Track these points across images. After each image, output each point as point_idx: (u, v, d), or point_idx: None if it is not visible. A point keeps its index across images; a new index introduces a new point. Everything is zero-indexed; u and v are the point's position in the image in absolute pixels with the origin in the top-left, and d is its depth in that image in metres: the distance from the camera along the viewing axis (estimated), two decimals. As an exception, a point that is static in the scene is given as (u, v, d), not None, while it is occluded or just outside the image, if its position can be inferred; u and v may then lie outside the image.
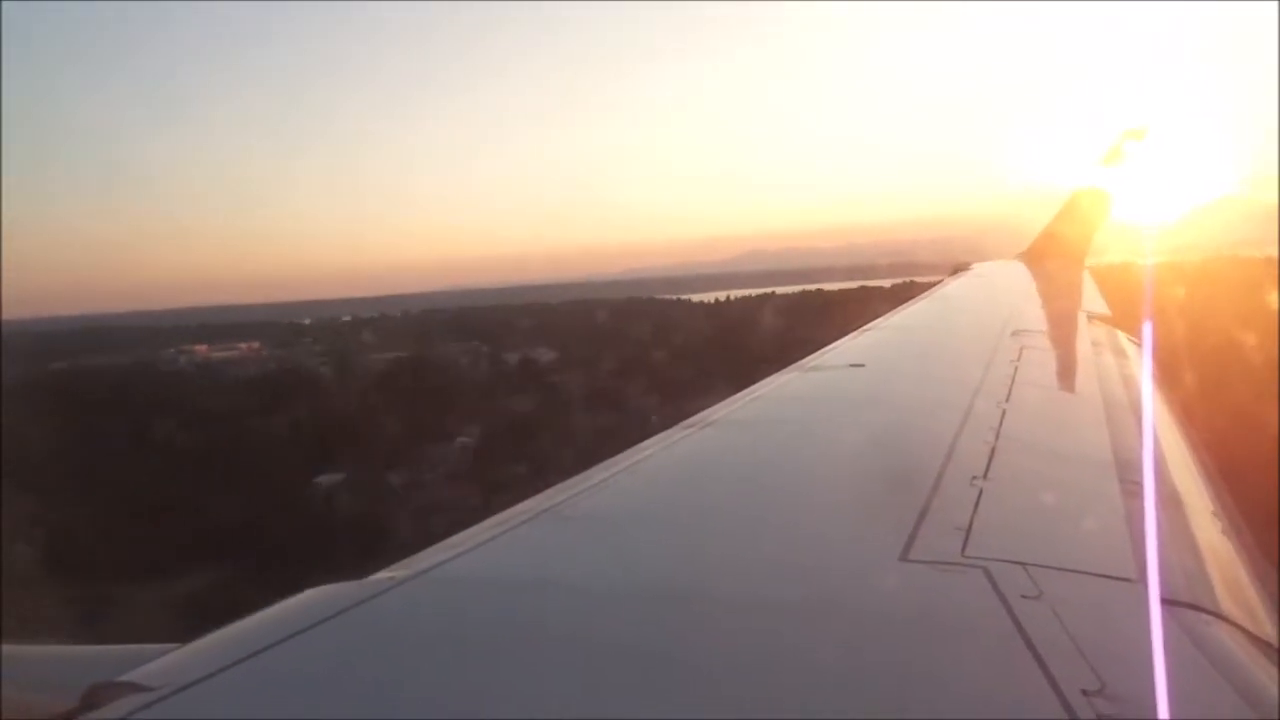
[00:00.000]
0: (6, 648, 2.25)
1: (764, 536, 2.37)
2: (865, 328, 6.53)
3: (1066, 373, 5.25)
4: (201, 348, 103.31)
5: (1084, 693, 1.47)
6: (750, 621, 1.82)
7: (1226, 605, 2.16)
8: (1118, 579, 2.11)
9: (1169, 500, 2.95)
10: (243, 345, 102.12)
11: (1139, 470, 3.14)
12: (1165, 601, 1.97)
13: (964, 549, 2.14)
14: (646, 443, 3.36)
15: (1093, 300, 8.94)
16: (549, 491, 2.78)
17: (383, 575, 2.05)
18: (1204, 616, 1.99)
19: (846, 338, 6.04)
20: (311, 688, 1.56)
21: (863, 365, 4.88)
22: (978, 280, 10.97)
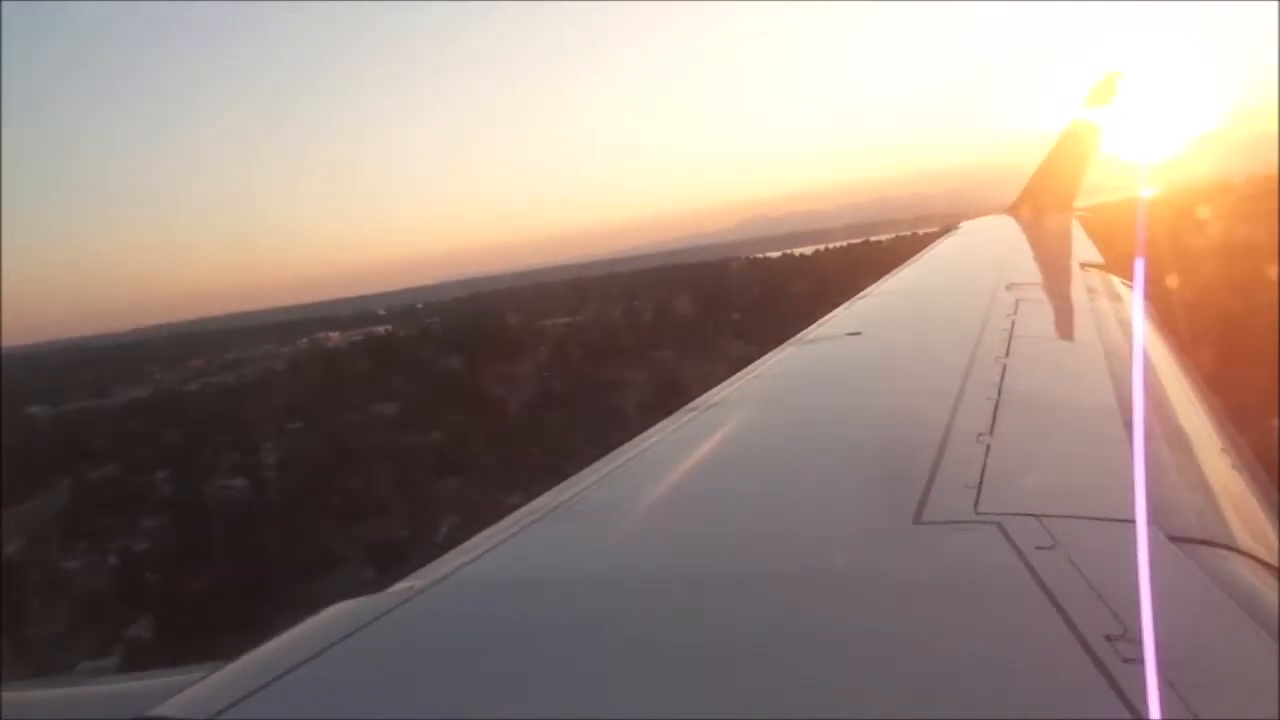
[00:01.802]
0: (8, 695, 2.11)
1: (778, 514, 2.38)
2: (859, 295, 6.53)
3: (1064, 322, 5.25)
4: (334, 335, 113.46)
5: (1107, 638, 1.48)
6: (776, 598, 1.83)
7: (1240, 538, 2.17)
8: (1130, 522, 2.12)
9: (1175, 440, 2.96)
10: (379, 329, 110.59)
11: (1143, 413, 3.15)
12: (1178, 540, 1.98)
13: (976, 506, 2.15)
14: (652, 429, 3.37)
15: (1084, 247, 8.93)
16: (560, 486, 2.79)
17: (402, 585, 2.06)
18: (1218, 551, 2.00)
19: (841, 307, 6.05)
20: (344, 706, 1.57)
21: (859, 334, 4.88)
22: (968, 238, 10.96)
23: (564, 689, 1.53)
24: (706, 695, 1.47)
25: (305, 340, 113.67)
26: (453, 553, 2.30)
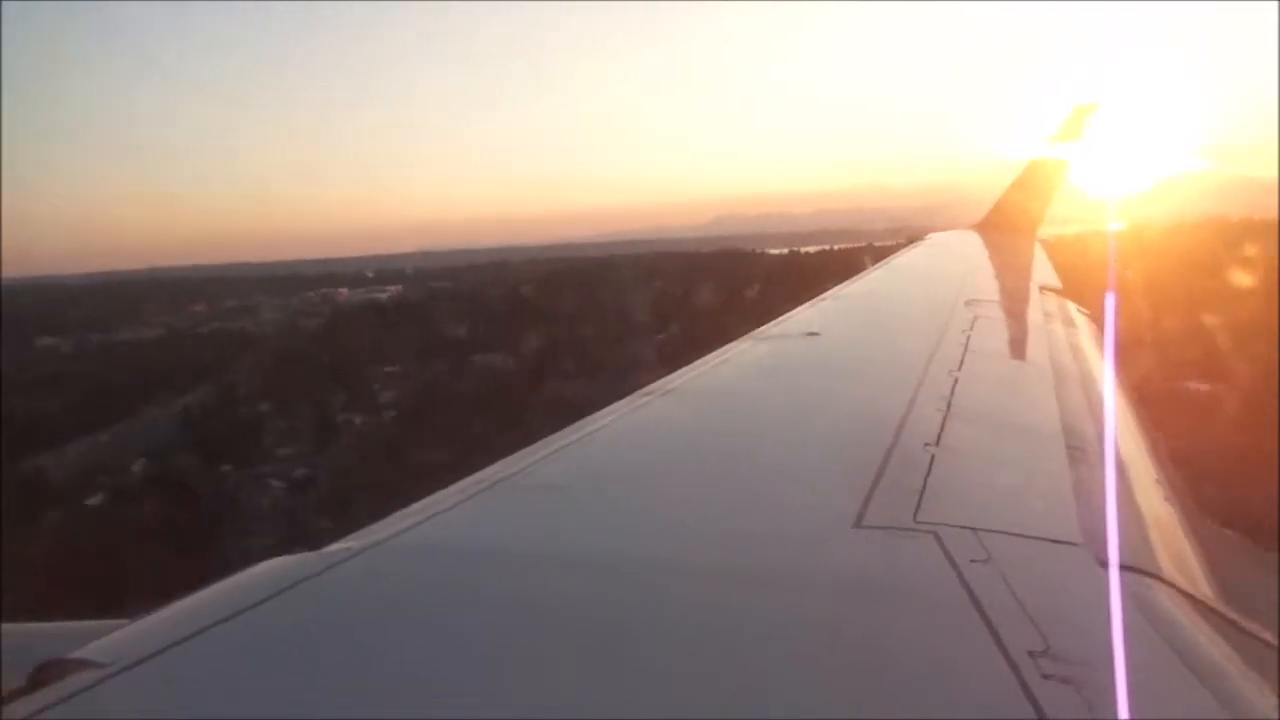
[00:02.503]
0: None
1: (721, 504, 2.39)
2: (821, 296, 6.57)
3: (1018, 342, 5.33)
4: (342, 290, 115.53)
5: (1030, 654, 1.51)
6: (706, 588, 1.84)
7: (1167, 568, 2.23)
8: (1064, 543, 2.16)
9: (1113, 467, 3.03)
10: (390, 288, 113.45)
11: (1086, 439, 3.21)
12: (1108, 565, 2.02)
13: (916, 515, 2.18)
14: (603, 411, 3.36)
15: (1044, 271, 9.07)
16: (506, 460, 2.78)
17: (339, 546, 2.04)
18: (1146, 579, 2.05)
19: (802, 306, 6.08)
20: (267, 661, 1.54)
21: (818, 334, 4.91)
22: (933, 249, 11.08)
23: (484, 658, 1.53)
24: (620, 676, 1.48)
25: (315, 294, 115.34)
26: (393, 517, 2.28)
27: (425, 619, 1.69)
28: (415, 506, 2.35)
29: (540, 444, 2.93)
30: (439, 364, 61.40)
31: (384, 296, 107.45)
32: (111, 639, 1.62)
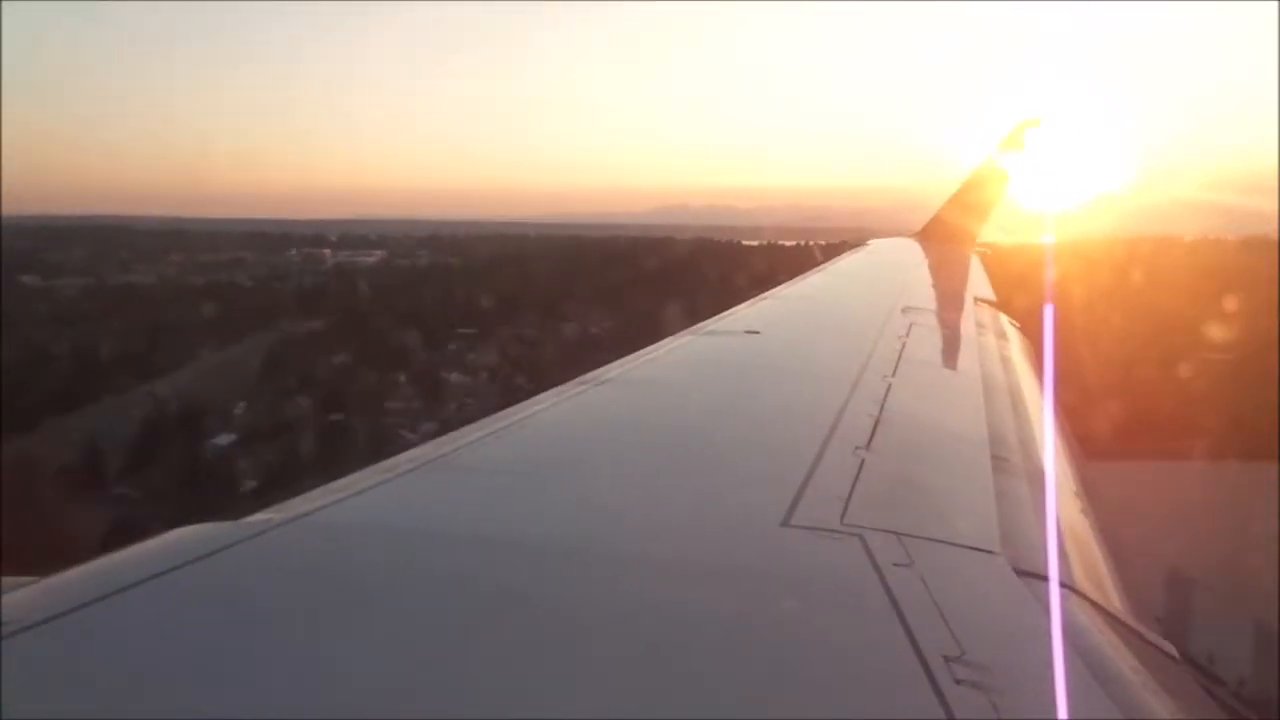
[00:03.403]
0: None
1: (649, 495, 2.39)
2: (763, 295, 6.63)
3: (951, 351, 5.44)
4: (326, 251, 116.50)
5: (945, 658, 1.54)
6: (628, 577, 1.84)
7: (1080, 579, 2.29)
8: (984, 551, 2.21)
9: (1035, 478, 3.10)
10: (376, 253, 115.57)
11: (1011, 448, 3.29)
12: (1024, 574, 2.07)
13: (843, 517, 2.20)
14: (538, 397, 3.35)
15: (980, 282, 9.26)
16: (435, 441, 2.75)
17: (259, 517, 2.00)
18: (1060, 589, 2.10)
19: (745, 304, 6.13)
20: (172, 628, 1.51)
21: (758, 333, 4.95)
22: (874, 255, 11.25)
23: (392, 636, 1.51)
24: (520, 659, 1.47)
25: (294, 252, 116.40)
26: (317, 491, 2.24)
27: (334, 595, 1.67)
28: (341, 482, 2.32)
29: (472, 427, 2.91)
30: (515, 327, 62.98)
31: (371, 260, 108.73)
32: (15, 597, 1.58)
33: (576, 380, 3.60)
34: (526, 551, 1.94)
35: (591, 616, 1.65)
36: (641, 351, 4.30)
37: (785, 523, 2.14)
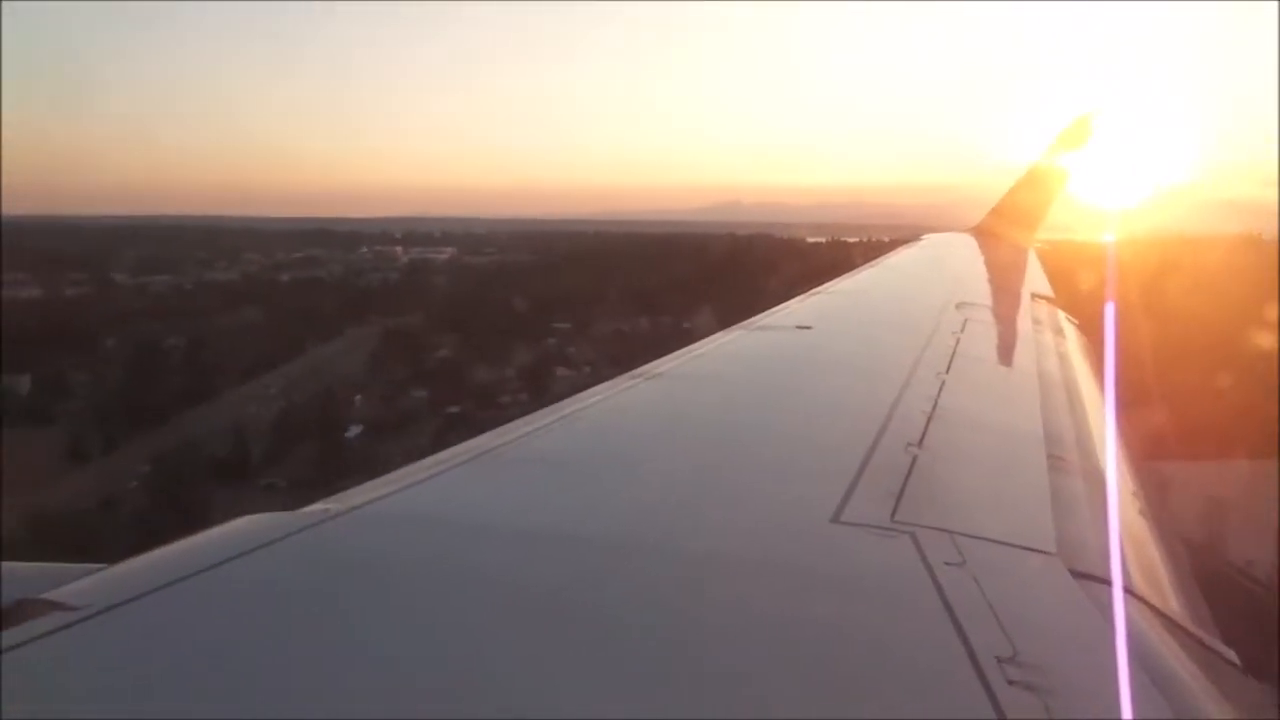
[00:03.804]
0: None
1: (699, 490, 2.40)
2: (815, 290, 6.57)
3: (1006, 348, 5.35)
4: (397, 249, 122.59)
5: (998, 659, 1.52)
6: (678, 572, 1.84)
7: (1137, 581, 2.25)
8: (1038, 551, 2.18)
9: (1091, 478, 3.05)
10: (446, 250, 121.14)
11: (1067, 448, 3.23)
12: (1080, 575, 2.04)
13: (894, 514, 2.19)
14: (590, 391, 3.37)
15: (1037, 278, 9.09)
16: (489, 434, 2.78)
17: (317, 507, 2.04)
18: (1115, 591, 2.07)
19: (796, 299, 6.08)
20: (234, 615, 1.55)
21: (810, 328, 4.92)
22: (928, 250, 11.09)
23: (438, 630, 1.53)
24: (577, 654, 1.48)
25: (365, 250, 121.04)
26: (373, 483, 2.28)
27: (392, 585, 1.70)
28: (396, 474, 2.36)
29: (524, 420, 2.94)
30: (608, 321, 65.32)
31: (443, 257, 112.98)
32: (86, 582, 1.64)
33: (628, 375, 3.62)
34: (577, 545, 1.95)
35: (644, 612, 1.66)
36: (692, 346, 4.30)
37: (835, 519, 2.13)
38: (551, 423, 2.90)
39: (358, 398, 53.25)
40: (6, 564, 2.41)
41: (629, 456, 2.74)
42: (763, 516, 2.23)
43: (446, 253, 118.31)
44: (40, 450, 50.91)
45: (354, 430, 47.31)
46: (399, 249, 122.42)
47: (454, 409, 48.21)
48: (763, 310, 5.55)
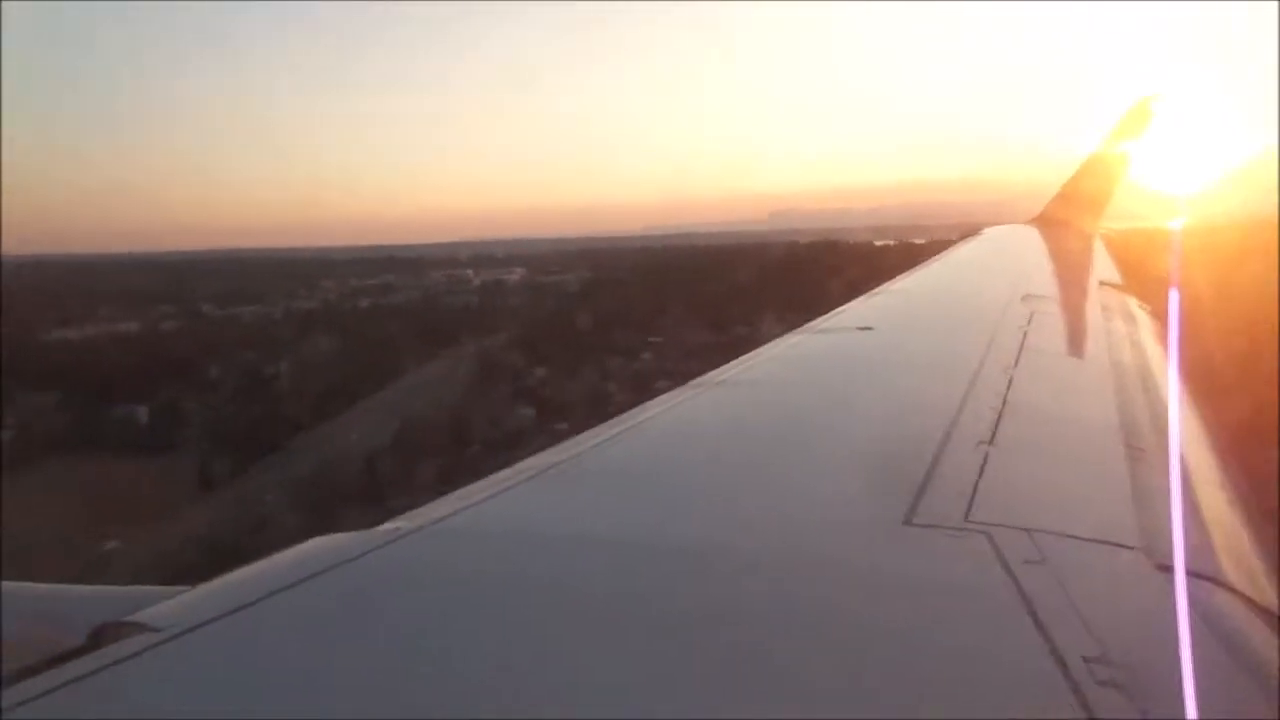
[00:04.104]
0: (8, 585, 2.26)
1: (770, 497, 2.38)
2: (875, 290, 6.49)
3: (1076, 338, 5.22)
4: (469, 272, 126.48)
5: (1084, 659, 1.48)
6: (754, 580, 1.83)
7: (1231, 574, 2.16)
8: (1121, 546, 2.11)
9: (1175, 469, 2.95)
10: (517, 270, 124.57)
11: (1145, 438, 3.13)
12: (1168, 569, 1.97)
13: (968, 514, 2.14)
14: (654, 400, 3.36)
15: (1104, 266, 8.88)
16: (555, 448, 2.79)
17: (389, 526, 2.07)
18: (1206, 584, 1.99)
19: (856, 300, 6.02)
20: (315, 635, 1.58)
21: (871, 329, 4.86)
22: (989, 244, 10.90)
23: (529, 643, 1.54)
24: (664, 665, 1.47)
25: (442, 274, 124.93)
26: (442, 500, 2.30)
27: (471, 602, 1.71)
28: (464, 490, 2.38)
29: (589, 433, 2.94)
30: (696, 333, 65.38)
31: (515, 278, 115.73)
32: (168, 605, 1.68)
33: (691, 383, 3.61)
34: (650, 554, 1.95)
35: (723, 621, 1.65)
36: (754, 352, 4.28)
37: (908, 521, 2.09)
38: (618, 434, 2.91)
39: (467, 418, 54.32)
40: (89, 588, 2.49)
41: (695, 465, 2.73)
42: (834, 521, 2.20)
43: (517, 273, 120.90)
44: (170, 477, 53.54)
45: (470, 450, 48.17)
46: (470, 272, 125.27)
47: (562, 425, 49.20)
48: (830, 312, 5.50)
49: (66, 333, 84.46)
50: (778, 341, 4.58)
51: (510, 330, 74.32)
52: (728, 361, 4.06)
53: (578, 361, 62.40)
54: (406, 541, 1.95)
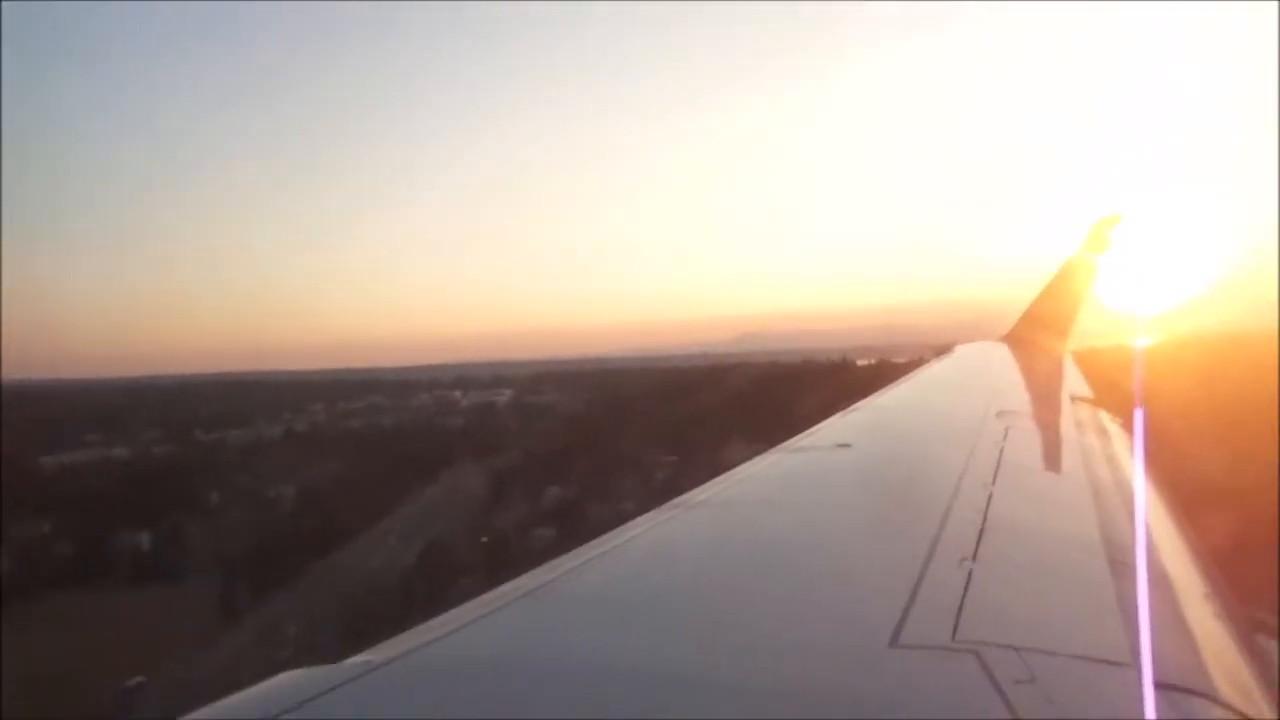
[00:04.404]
0: None
1: (753, 620, 2.33)
2: (851, 408, 6.54)
3: (1052, 454, 5.26)
4: (456, 393, 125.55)
5: None
6: (738, 710, 1.77)
7: (1222, 688, 2.13)
8: (1111, 663, 2.08)
9: (1160, 582, 2.93)
10: (505, 391, 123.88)
11: (1129, 552, 3.12)
12: (1159, 685, 1.93)
13: (954, 633, 2.10)
14: (633, 523, 3.33)
15: (1075, 381, 9.01)
16: (533, 573, 2.74)
17: (361, 658, 2.00)
18: (1199, 700, 1.96)
19: (833, 418, 6.05)
20: None
21: (849, 445, 4.87)
22: (962, 361, 11.07)
23: None
24: None
25: (427, 395, 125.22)
26: (415, 630, 2.24)
27: None
28: (439, 620, 2.32)
29: (568, 556, 2.90)
30: (713, 451, 65.19)
31: (504, 399, 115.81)
32: None
33: (669, 504, 3.58)
34: (632, 681, 1.89)
35: None
36: (733, 471, 4.26)
37: (894, 642, 2.05)
38: (596, 557, 2.86)
39: (483, 539, 53.24)
40: None
41: (676, 589, 2.68)
42: (818, 644, 2.15)
43: (505, 394, 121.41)
44: (185, 607, 50.72)
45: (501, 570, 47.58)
46: (457, 393, 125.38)
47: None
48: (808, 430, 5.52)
49: (56, 459, 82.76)
50: (757, 460, 4.57)
51: (510, 450, 73.97)
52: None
53: (589, 481, 62.18)
54: (378, 675, 1.89)
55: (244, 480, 71.56)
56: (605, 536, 3.14)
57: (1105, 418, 6.79)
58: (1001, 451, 4.55)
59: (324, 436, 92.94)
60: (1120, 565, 2.90)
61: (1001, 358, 11.05)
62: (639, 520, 3.38)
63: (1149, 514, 3.92)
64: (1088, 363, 10.82)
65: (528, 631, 2.28)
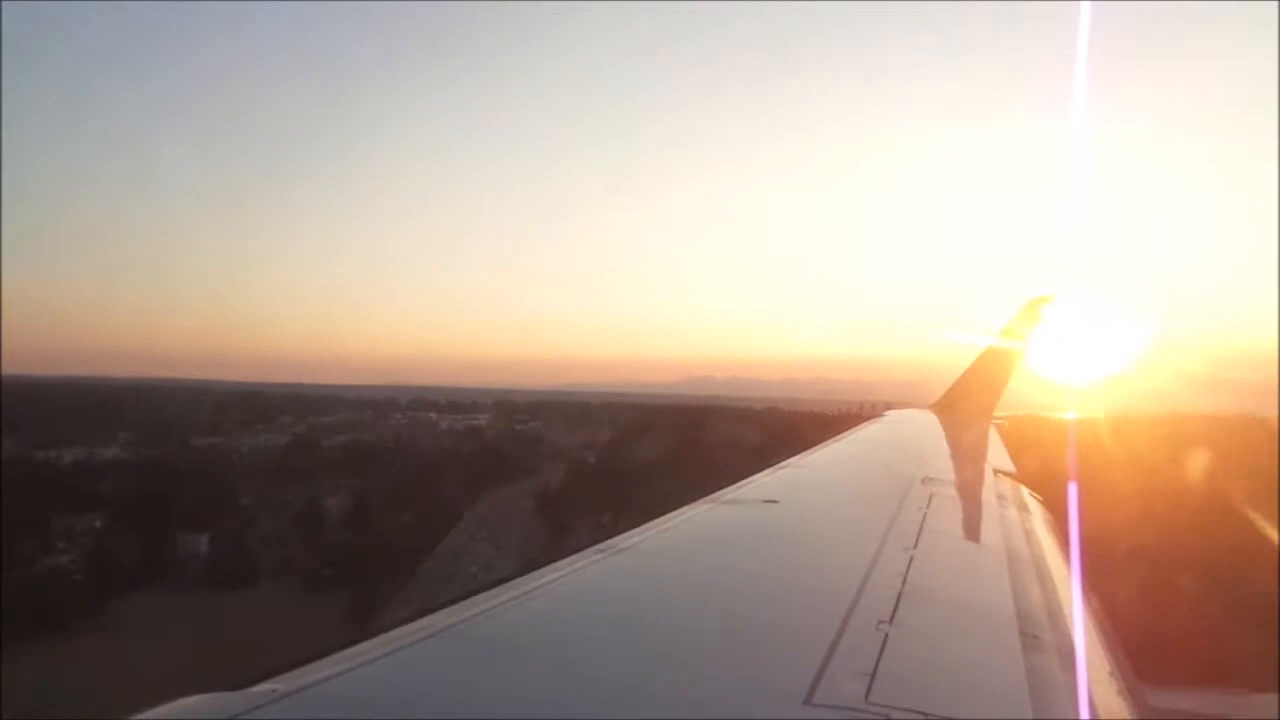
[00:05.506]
0: None
1: (666, 671, 2.31)
2: (782, 464, 6.59)
3: (972, 523, 5.35)
4: (432, 415, 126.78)
5: None
6: None
7: None
8: None
9: (1066, 656, 2.98)
10: (481, 416, 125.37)
11: (1039, 625, 3.18)
12: None
13: (868, 695, 2.12)
14: (553, 565, 3.30)
15: (999, 455, 9.21)
16: (449, 609, 2.70)
17: (263, 688, 1.95)
18: None
19: (763, 472, 6.09)
20: None
21: (777, 502, 4.90)
22: (892, 426, 11.25)
23: None
24: None
25: (401, 416, 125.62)
26: (322, 661, 2.18)
27: None
28: (348, 651, 2.26)
29: (485, 595, 2.86)
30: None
31: (481, 422, 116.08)
32: None
33: (592, 549, 3.56)
34: None
35: None
36: (659, 520, 4.26)
37: (808, 701, 2.06)
38: (513, 598, 2.83)
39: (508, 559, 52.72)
40: None
41: (591, 635, 2.66)
42: (731, 701, 2.14)
43: (483, 418, 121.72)
44: (311, 611, 47.00)
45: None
46: (434, 416, 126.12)
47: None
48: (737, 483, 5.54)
49: (67, 454, 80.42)
50: (685, 509, 4.57)
51: (524, 476, 74.62)
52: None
53: (619, 512, 62.26)
54: (281, 705, 1.84)
55: (261, 486, 70.73)
56: (525, 577, 3.10)
57: (1025, 493, 6.95)
58: (925, 517, 4.62)
59: (322, 449, 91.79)
60: (1030, 638, 2.95)
61: (930, 426, 11.26)
62: (560, 563, 3.35)
63: (1061, 589, 4.00)
64: (1011, 433, 11.07)
65: (430, 671, 2.24)
